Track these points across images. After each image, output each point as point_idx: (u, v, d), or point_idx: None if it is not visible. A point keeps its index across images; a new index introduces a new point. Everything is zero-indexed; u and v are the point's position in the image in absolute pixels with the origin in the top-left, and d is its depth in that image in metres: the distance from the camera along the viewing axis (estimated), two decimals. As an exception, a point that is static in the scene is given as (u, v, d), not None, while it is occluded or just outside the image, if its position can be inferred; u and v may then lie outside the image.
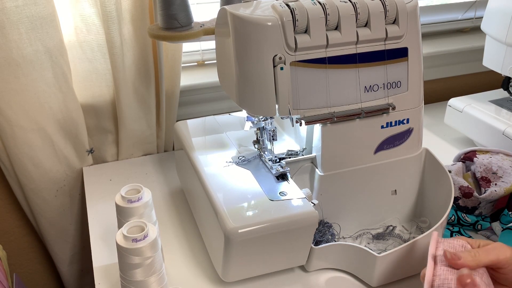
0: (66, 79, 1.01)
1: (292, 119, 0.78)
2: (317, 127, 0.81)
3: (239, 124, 0.99)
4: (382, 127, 0.83)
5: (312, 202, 0.77)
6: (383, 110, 0.81)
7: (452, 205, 0.83)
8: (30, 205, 1.14)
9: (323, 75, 0.77)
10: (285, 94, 0.75)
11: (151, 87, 1.10)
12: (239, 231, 0.71)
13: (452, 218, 0.90)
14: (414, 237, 0.80)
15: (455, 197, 0.89)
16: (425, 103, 0.97)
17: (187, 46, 1.24)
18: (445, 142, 1.23)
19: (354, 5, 0.75)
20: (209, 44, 1.26)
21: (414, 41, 0.81)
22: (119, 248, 0.69)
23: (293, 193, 0.78)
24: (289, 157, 0.87)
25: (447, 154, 1.02)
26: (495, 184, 0.90)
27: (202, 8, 1.19)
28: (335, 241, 0.84)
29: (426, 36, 1.46)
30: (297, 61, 0.75)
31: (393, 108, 0.82)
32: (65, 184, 1.13)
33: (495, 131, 1.07)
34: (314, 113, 0.78)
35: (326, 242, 0.81)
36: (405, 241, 0.86)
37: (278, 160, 0.85)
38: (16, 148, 1.03)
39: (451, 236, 0.89)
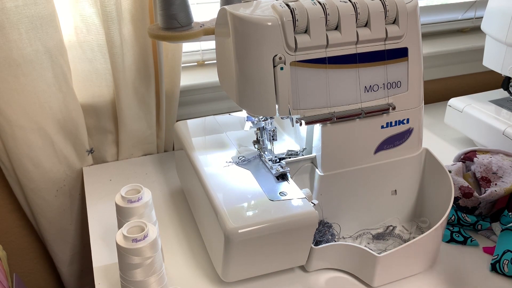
0: (66, 79, 1.01)
1: (292, 119, 0.78)
2: (317, 127, 0.81)
3: (239, 124, 0.99)
4: (382, 127, 0.83)
5: (312, 202, 0.77)
6: (383, 110, 0.81)
7: (452, 205, 0.83)
8: (30, 205, 1.14)
9: (323, 75, 0.77)
10: (285, 94, 0.75)
11: (151, 87, 1.10)
12: (239, 231, 0.71)
13: (452, 218, 0.90)
14: (414, 237, 0.80)
15: (455, 197, 0.89)
16: (425, 103, 0.97)
17: (187, 46, 1.24)
18: (445, 142, 1.23)
19: (354, 5, 0.75)
20: (209, 44, 1.26)
21: (414, 41, 0.81)
22: (119, 248, 0.69)
23: (293, 193, 0.78)
24: (289, 157, 0.87)
25: (447, 154, 1.02)
26: (495, 184, 0.90)
27: (202, 8, 1.19)
28: (335, 241, 0.84)
29: (426, 36, 1.46)
30: (297, 61, 0.75)
31: (393, 108, 0.82)
32: (65, 184, 1.13)
33: (495, 131, 1.07)
34: (314, 113, 0.78)
35: (326, 242, 0.81)
36: (405, 241, 0.86)
37: (278, 160, 0.85)
38: (16, 148, 1.03)
39: (451, 236, 0.89)
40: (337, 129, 0.80)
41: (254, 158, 0.88)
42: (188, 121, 1.01)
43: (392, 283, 0.80)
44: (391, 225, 0.89)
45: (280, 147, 0.92)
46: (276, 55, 0.73)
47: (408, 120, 0.84)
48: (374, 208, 0.88)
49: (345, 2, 0.75)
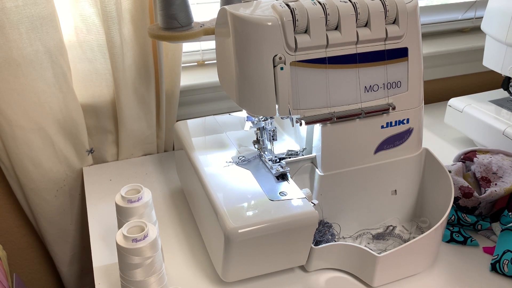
0: (66, 79, 1.01)
1: (292, 119, 0.78)
2: (317, 127, 0.81)
3: (239, 124, 0.99)
4: (382, 127, 0.83)
5: (312, 202, 0.77)
6: (383, 110, 0.81)
7: (452, 205, 0.83)
8: (30, 205, 1.14)
9: (323, 75, 0.77)
10: (285, 94, 0.75)
11: (151, 87, 1.10)
12: (239, 231, 0.71)
13: (452, 218, 0.90)
14: (414, 237, 0.80)
15: (455, 197, 0.89)
16: (425, 103, 0.97)
17: (187, 46, 1.24)
18: (445, 142, 1.22)
19: (354, 5, 0.75)
20: (209, 44, 1.26)
21: (414, 41, 0.81)
22: (119, 248, 0.69)
23: (293, 193, 0.78)
24: (289, 157, 0.87)
25: (447, 154, 1.02)
26: (495, 184, 0.90)
27: (202, 8, 1.19)
28: (335, 241, 0.84)
29: (426, 36, 1.46)
30: (297, 61, 0.75)
31: (393, 108, 0.82)
32: (65, 184, 1.13)
33: (495, 131, 1.07)
34: (314, 113, 0.78)
35: (326, 242, 0.81)
36: (405, 241, 0.86)
37: (278, 160, 0.85)
38: (16, 148, 1.03)
39: (451, 236, 0.89)
40: (337, 129, 0.80)
41: (254, 158, 0.88)
42: (188, 121, 1.01)
43: (392, 283, 0.80)
44: (391, 225, 0.89)
45: (280, 147, 0.92)
46: (276, 55, 0.73)
47: (408, 120, 0.84)
48: (374, 208, 0.88)
49: (345, 2, 0.75)
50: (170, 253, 0.88)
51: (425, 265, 0.83)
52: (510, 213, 0.88)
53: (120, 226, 0.75)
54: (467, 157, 0.98)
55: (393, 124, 0.83)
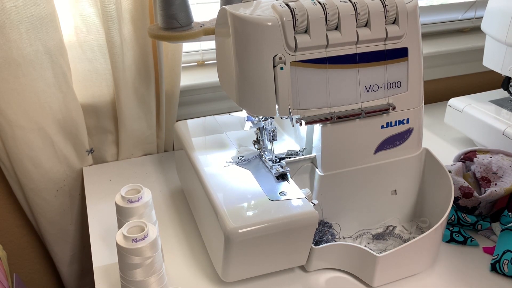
0: (66, 79, 1.01)
1: (292, 119, 0.78)
2: (317, 127, 0.81)
3: (239, 124, 0.99)
4: (382, 127, 0.83)
5: (312, 202, 0.77)
6: (383, 110, 0.81)
7: (452, 205, 0.83)
8: (30, 205, 1.14)
9: (323, 75, 0.77)
10: (285, 94, 0.75)
11: (151, 87, 1.10)
12: (239, 231, 0.71)
13: (452, 218, 0.90)
14: (414, 237, 0.80)
15: (455, 197, 0.89)
16: (425, 103, 0.97)
17: (187, 46, 1.24)
18: (445, 142, 1.23)
19: (354, 5, 0.75)
20: (209, 44, 1.26)
21: (414, 41, 0.81)
22: (119, 248, 0.69)
23: (293, 193, 0.78)
24: (289, 157, 0.87)
25: (447, 154, 1.02)
26: (495, 184, 0.90)
27: (202, 8, 1.19)
28: (335, 241, 0.84)
29: (426, 36, 1.46)
30: (297, 61, 0.75)
31: (393, 108, 0.82)
32: (65, 184, 1.13)
33: (495, 131, 1.07)
34: (314, 113, 0.78)
35: (326, 242, 0.81)
36: (405, 241, 0.86)
37: (278, 160, 0.85)
38: (16, 148, 1.03)
39: (451, 236, 0.89)
40: (337, 129, 0.80)
41: (254, 158, 0.88)
42: (188, 121, 1.01)
43: (392, 283, 0.80)
44: (391, 225, 0.89)
45: (280, 147, 0.92)
46: (276, 55, 0.73)
47: (408, 120, 0.84)
48: (374, 208, 0.88)
49: (345, 2, 0.75)
50: (170, 253, 0.88)
51: (425, 265, 0.83)
52: (510, 213, 0.88)
53: (120, 226, 0.75)
54: (467, 157, 0.98)
55: (393, 124, 0.83)
